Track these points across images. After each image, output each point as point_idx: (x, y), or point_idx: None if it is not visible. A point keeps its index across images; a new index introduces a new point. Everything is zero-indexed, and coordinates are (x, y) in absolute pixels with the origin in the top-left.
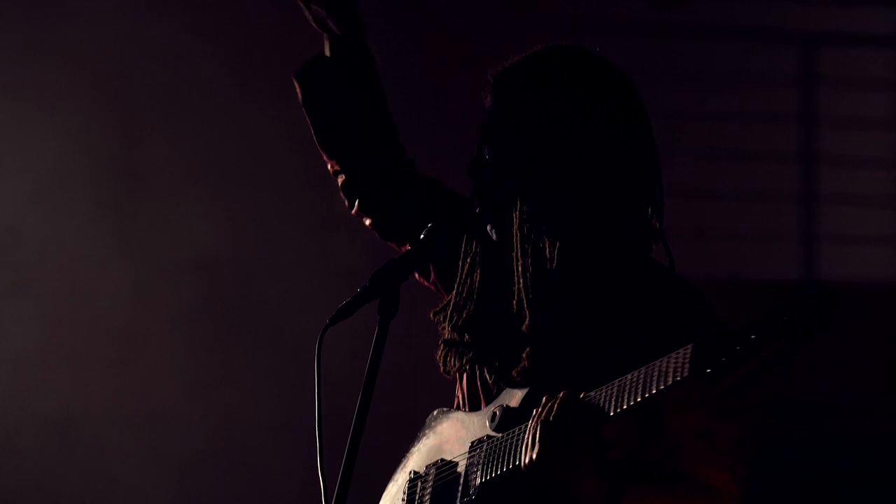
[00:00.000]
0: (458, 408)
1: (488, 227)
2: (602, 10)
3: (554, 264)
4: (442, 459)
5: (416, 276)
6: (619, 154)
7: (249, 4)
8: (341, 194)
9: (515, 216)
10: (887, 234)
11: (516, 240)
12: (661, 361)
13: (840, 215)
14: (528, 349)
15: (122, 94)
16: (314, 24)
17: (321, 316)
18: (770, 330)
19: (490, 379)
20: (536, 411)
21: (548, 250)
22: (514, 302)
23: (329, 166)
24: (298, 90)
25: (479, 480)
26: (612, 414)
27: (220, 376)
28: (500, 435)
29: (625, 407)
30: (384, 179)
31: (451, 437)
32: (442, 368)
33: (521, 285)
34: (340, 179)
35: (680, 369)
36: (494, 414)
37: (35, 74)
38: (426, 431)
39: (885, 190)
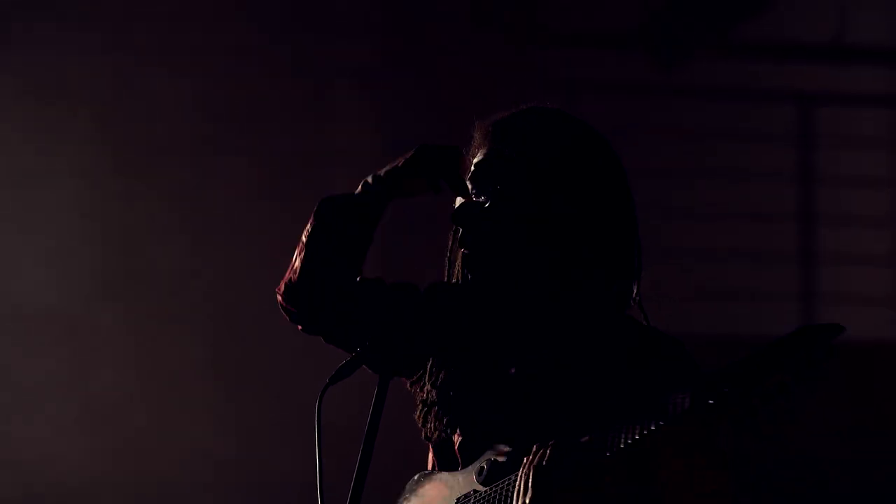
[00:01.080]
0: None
1: (472, 279)
2: (603, 71)
3: (538, 319)
4: None
5: None
6: (600, 214)
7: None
8: (297, 326)
9: (500, 269)
10: (885, 293)
11: (501, 293)
12: (661, 399)
13: (838, 274)
14: (512, 404)
15: (121, 148)
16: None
17: (328, 363)
18: (774, 361)
19: (470, 439)
20: (527, 459)
21: (532, 304)
22: (498, 357)
23: (280, 298)
24: (312, 219)
25: None
26: (607, 454)
27: (227, 430)
28: (487, 488)
29: (621, 446)
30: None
31: (434, 497)
32: (420, 425)
33: (506, 338)
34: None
35: (680, 403)
36: (482, 468)
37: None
38: (407, 496)
39: (883, 249)
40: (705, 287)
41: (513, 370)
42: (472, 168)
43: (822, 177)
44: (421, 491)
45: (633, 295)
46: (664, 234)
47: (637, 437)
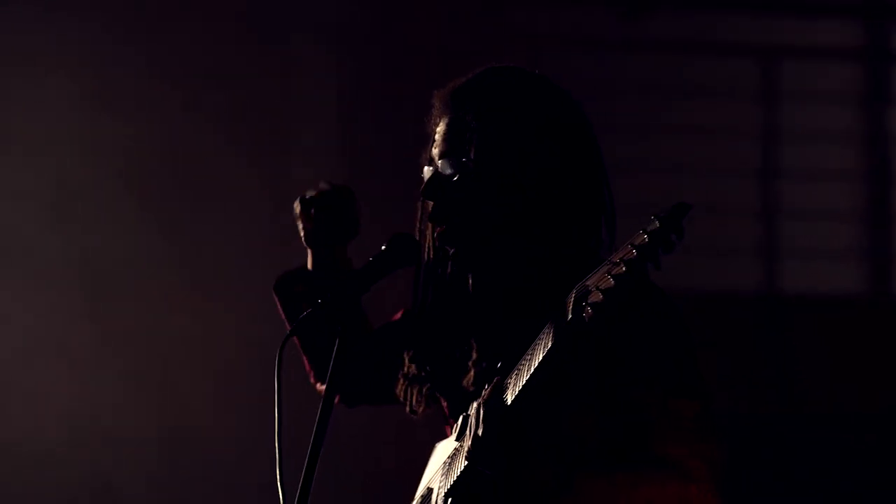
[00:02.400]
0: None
1: (446, 248)
2: (564, 26)
3: (504, 279)
4: (427, 488)
5: None
6: (570, 168)
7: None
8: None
9: (471, 233)
10: (847, 246)
11: (470, 255)
12: (542, 334)
13: (800, 229)
14: (474, 358)
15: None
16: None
17: None
18: (635, 250)
19: (455, 404)
20: (480, 398)
21: (499, 264)
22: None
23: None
24: (278, 303)
25: (443, 491)
26: (512, 399)
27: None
28: (458, 443)
29: (518, 391)
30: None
31: (435, 464)
32: (402, 399)
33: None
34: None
35: (550, 335)
36: (456, 426)
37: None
38: (429, 461)
39: (845, 203)
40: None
41: (476, 332)
42: (436, 140)
43: (785, 131)
44: (431, 462)
45: (609, 245)
46: (624, 190)
47: (528, 378)
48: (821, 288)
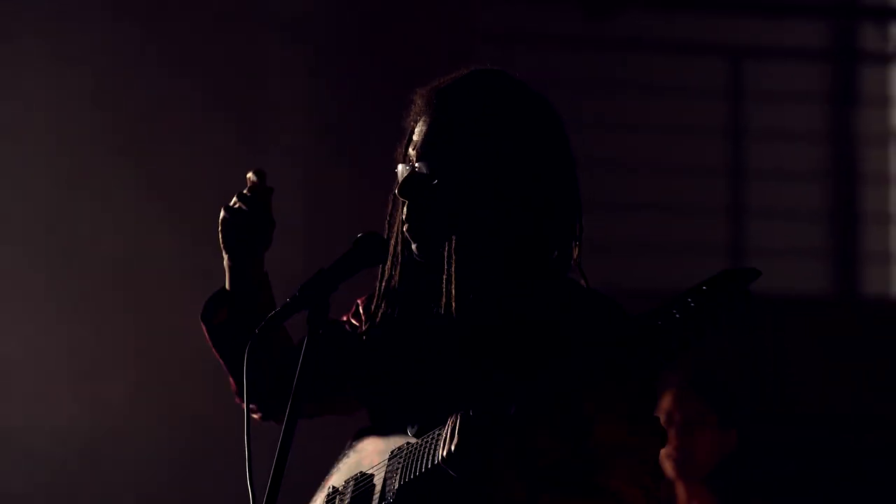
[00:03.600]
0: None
1: (414, 247)
2: (532, 24)
3: (478, 281)
4: (360, 472)
5: None
6: (545, 176)
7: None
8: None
9: (447, 238)
10: (813, 246)
11: (446, 259)
12: (579, 355)
13: (767, 228)
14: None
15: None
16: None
17: None
18: (692, 307)
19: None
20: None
21: (473, 268)
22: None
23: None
24: (206, 332)
25: (397, 485)
26: (530, 402)
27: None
28: (418, 440)
29: (543, 392)
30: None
31: (370, 451)
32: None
33: (446, 301)
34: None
35: (596, 363)
36: (415, 424)
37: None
38: (346, 452)
39: (812, 203)
40: (633, 241)
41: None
42: (415, 139)
43: (752, 130)
44: (359, 446)
45: (574, 257)
46: (592, 188)
47: (561, 389)
48: (786, 287)
